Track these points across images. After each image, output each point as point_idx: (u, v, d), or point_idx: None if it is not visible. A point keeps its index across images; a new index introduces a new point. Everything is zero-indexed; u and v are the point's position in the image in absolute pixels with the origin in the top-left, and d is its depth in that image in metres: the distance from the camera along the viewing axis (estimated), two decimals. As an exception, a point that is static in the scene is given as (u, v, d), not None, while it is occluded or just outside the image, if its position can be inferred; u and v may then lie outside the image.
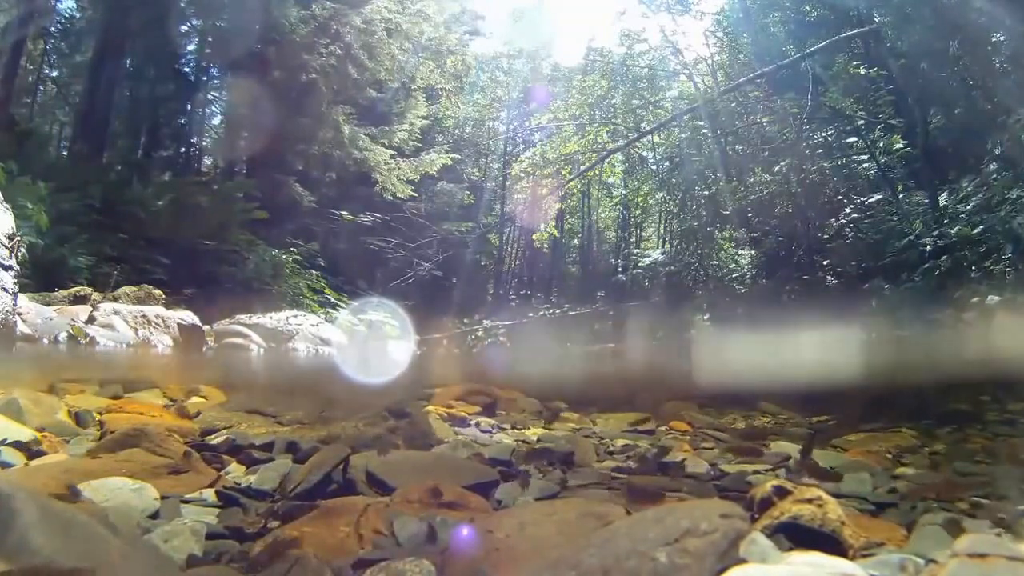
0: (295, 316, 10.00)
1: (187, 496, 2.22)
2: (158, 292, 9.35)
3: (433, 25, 18.59)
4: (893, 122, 11.39)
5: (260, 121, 14.73)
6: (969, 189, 9.93)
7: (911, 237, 9.83)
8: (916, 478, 3.02)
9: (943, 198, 10.33)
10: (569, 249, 24.61)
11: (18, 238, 6.16)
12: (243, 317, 9.09)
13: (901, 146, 11.05)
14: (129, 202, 12.65)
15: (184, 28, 16.69)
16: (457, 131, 21.43)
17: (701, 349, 11.70)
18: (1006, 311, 7.73)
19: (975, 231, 9.02)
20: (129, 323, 7.47)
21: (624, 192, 20.91)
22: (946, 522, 1.93)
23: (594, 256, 23.87)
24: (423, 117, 18.79)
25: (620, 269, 20.30)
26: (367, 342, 11.81)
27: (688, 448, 3.87)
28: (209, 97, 19.07)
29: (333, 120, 16.02)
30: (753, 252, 13.48)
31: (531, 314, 17.45)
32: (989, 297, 8.13)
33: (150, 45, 15.86)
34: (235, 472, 2.73)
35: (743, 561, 1.36)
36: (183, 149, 18.83)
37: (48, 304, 7.54)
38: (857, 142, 11.70)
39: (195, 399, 4.57)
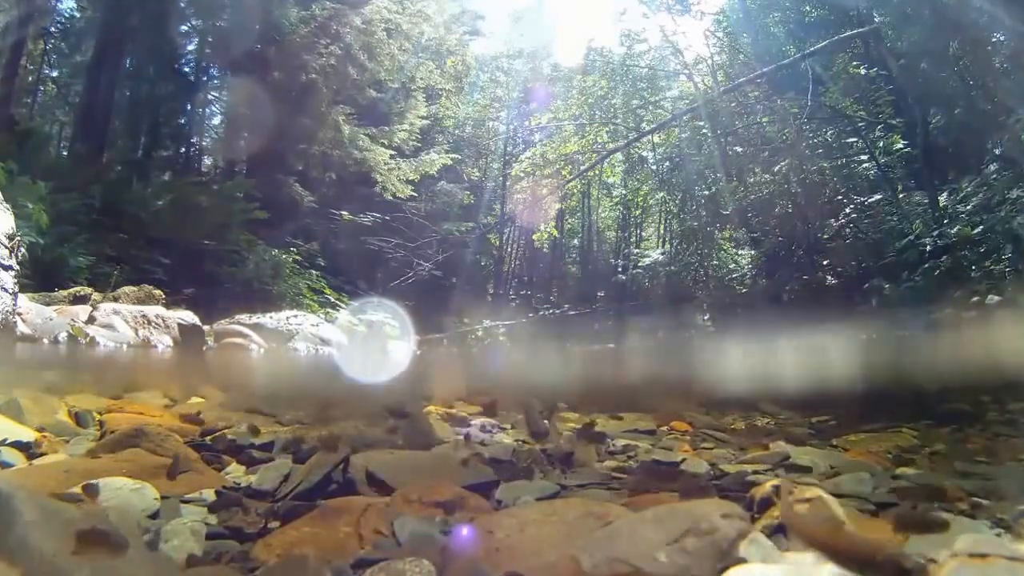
0: (295, 316, 9.98)
1: (187, 496, 2.22)
2: (158, 292, 9.34)
3: (433, 25, 18.60)
4: (893, 122, 11.38)
5: (260, 121, 14.72)
6: (969, 189, 9.91)
7: (911, 237, 9.81)
8: (916, 478, 3.02)
9: (943, 198, 10.31)
10: (569, 249, 24.56)
11: (18, 238, 6.16)
12: (243, 317, 9.08)
13: (901, 146, 11.03)
14: (129, 202, 12.64)
15: (184, 28, 16.69)
16: (457, 131, 21.40)
17: (701, 349, 11.70)
18: (1006, 311, 7.72)
19: (975, 231, 8.99)
20: (129, 323, 7.47)
21: (624, 192, 20.84)
22: (946, 522, 1.93)
23: (594, 256, 23.82)
24: (423, 117, 18.79)
25: (620, 269, 20.24)
26: (367, 342, 11.79)
27: (688, 448, 3.87)
28: (209, 97, 19.04)
29: (333, 120, 16.02)
30: (753, 252, 13.45)
31: (531, 314, 17.45)
32: (989, 297, 8.11)
33: (150, 45, 15.85)
34: (235, 472, 2.73)
35: (743, 561, 1.36)
36: (183, 149, 18.80)
37: (48, 304, 7.53)
38: (857, 142, 11.67)
39: (195, 399, 4.57)
